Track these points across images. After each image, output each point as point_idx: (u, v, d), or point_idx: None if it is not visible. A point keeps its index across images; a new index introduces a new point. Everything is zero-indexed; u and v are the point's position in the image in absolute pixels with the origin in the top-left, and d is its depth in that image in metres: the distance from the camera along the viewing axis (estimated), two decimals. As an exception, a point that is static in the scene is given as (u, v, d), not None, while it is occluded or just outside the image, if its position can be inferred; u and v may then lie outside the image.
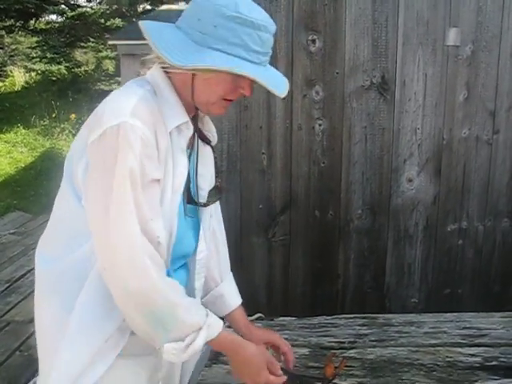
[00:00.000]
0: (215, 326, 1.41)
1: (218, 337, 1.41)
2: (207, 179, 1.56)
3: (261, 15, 1.36)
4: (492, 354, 1.99)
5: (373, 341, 2.11)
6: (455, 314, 2.33)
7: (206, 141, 1.58)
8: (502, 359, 1.96)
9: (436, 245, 3.00)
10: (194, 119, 1.51)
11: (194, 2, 1.38)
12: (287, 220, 3.00)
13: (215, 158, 1.62)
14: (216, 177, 1.62)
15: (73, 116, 10.41)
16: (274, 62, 1.51)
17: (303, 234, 3.02)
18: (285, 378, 1.48)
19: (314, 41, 2.80)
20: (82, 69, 10.87)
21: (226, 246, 1.74)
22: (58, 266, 1.40)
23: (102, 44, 10.99)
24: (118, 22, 11.14)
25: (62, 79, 11.00)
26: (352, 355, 1.94)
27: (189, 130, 1.44)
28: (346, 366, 1.84)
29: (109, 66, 11.34)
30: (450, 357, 1.97)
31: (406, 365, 1.92)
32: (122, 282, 1.29)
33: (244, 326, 1.68)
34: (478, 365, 1.93)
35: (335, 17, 2.77)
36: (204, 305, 1.53)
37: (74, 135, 10.16)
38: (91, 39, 11.20)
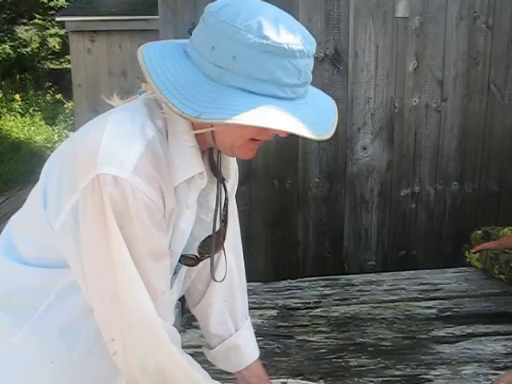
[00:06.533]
0: None
1: None
2: (207, 228, 1.26)
3: (294, 35, 1.00)
4: (446, 306, 2.15)
5: (336, 300, 2.23)
6: (412, 271, 2.47)
7: (219, 178, 1.25)
8: (454, 309, 2.12)
9: (390, 209, 3.13)
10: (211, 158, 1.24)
11: (205, 22, 1.03)
12: (248, 191, 3.08)
13: (226, 199, 1.28)
14: (222, 221, 1.28)
15: (17, 96, 10.18)
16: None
17: (263, 203, 3.10)
18: None
19: (268, 15, 2.86)
20: (29, 48, 10.57)
21: (244, 290, 1.48)
22: (25, 269, 1.15)
23: (49, 21, 10.72)
24: (61, 1, 10.87)
25: (6, 58, 10.71)
26: (318, 314, 2.05)
27: (203, 181, 1.15)
28: (314, 324, 1.95)
29: (54, 43, 11.06)
30: (409, 310, 2.11)
31: (369, 320, 2.05)
32: (139, 359, 1.09)
33: None
34: (433, 316, 2.07)
35: (289, -9, 2.84)
36: (214, 357, 1.44)
37: (22, 115, 9.93)
38: (37, 16, 10.89)
